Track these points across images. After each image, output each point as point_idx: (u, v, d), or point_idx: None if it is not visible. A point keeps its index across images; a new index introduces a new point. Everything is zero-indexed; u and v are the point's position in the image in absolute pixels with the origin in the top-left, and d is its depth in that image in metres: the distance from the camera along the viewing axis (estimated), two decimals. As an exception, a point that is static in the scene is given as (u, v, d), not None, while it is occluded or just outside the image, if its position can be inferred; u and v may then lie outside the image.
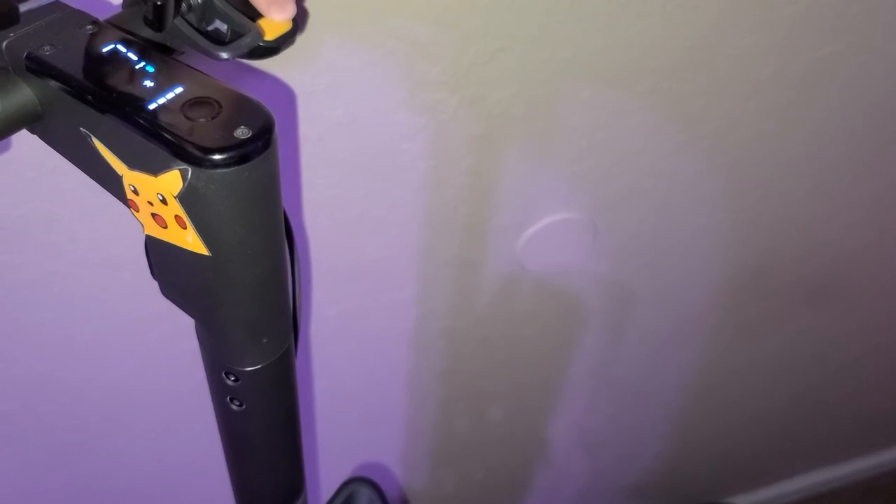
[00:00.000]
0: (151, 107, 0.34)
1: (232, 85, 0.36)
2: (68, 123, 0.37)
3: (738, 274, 1.02)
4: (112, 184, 0.37)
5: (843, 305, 1.18)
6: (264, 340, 0.43)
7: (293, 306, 0.45)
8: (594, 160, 0.78)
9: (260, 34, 0.41)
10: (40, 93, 0.37)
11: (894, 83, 0.84)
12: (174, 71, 0.36)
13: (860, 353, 1.31)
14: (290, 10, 0.42)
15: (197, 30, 0.41)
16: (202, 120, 0.34)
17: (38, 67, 0.37)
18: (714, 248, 0.97)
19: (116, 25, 0.40)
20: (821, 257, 1.06)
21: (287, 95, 0.60)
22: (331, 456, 1.00)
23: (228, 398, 0.46)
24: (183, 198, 0.34)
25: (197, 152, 0.33)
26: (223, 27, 0.41)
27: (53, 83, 0.36)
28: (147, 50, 0.37)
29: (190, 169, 0.33)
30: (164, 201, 0.35)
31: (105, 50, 0.37)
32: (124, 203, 0.38)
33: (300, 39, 0.55)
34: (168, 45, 0.41)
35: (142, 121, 0.34)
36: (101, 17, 0.40)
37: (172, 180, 0.34)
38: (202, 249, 0.36)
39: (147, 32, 0.41)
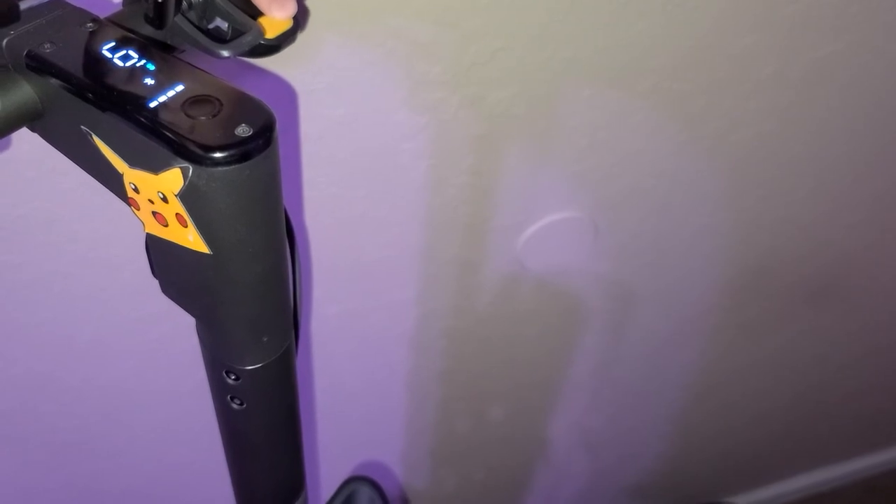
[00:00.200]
0: (152, 105, 0.34)
1: (233, 83, 0.36)
2: (69, 121, 0.37)
3: (739, 274, 1.02)
4: (113, 182, 0.37)
5: (844, 305, 1.18)
6: (265, 339, 0.43)
7: (294, 305, 0.45)
8: (595, 160, 0.78)
9: (261, 32, 0.41)
10: (41, 91, 0.37)
11: (895, 83, 0.84)
12: (175, 69, 0.36)
13: (861, 353, 1.31)
14: (291, 9, 0.42)
15: (198, 28, 0.41)
16: (203, 118, 0.34)
17: (38, 65, 0.37)
18: (715, 247, 0.97)
19: (117, 23, 0.40)
20: (822, 257, 1.06)
21: (288, 94, 0.60)
22: (331, 455, 1.00)
23: (229, 397, 0.46)
24: (184, 196, 0.34)
25: (198, 150, 0.33)
26: (224, 25, 0.41)
27: (54, 81, 0.36)
28: (148, 48, 0.37)
29: (191, 167, 0.33)
30: (164, 199, 0.35)
31: (106, 48, 0.37)
32: (125, 201, 0.38)
33: (301, 38, 0.55)
34: (169, 43, 0.41)
35: (142, 119, 0.34)
36: (102, 15, 0.40)
37: (173, 178, 0.34)
38: (203, 248, 0.36)
39: (148, 30, 0.41)
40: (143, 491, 0.94)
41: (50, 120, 0.38)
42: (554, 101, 0.70)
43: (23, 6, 0.38)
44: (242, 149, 0.33)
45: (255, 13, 0.42)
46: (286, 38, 0.42)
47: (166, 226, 0.37)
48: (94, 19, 0.39)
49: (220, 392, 0.47)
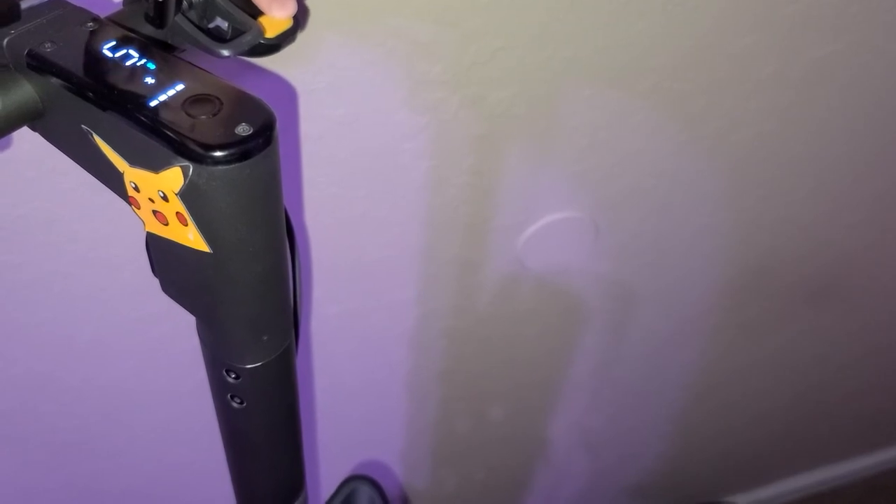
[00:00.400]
0: (153, 104, 0.34)
1: (233, 82, 0.36)
2: (69, 120, 0.37)
3: (739, 274, 1.02)
4: (113, 181, 0.37)
5: (844, 305, 1.18)
6: (265, 338, 0.43)
7: (294, 304, 0.45)
8: (595, 160, 0.78)
9: (261, 31, 0.41)
10: (41, 90, 0.37)
11: (895, 83, 0.84)
12: (175, 68, 0.36)
13: (861, 352, 1.31)
14: (291, 8, 0.42)
15: (198, 27, 0.41)
16: (203, 117, 0.34)
17: (39, 64, 0.37)
18: (715, 247, 0.97)
19: (117, 22, 0.40)
20: (822, 257, 1.06)
21: (288, 93, 0.60)
22: (331, 454, 1.00)
23: (229, 395, 0.46)
24: (184, 194, 0.34)
25: (198, 149, 0.33)
26: (224, 24, 0.41)
27: (55, 80, 0.36)
28: (148, 47, 0.37)
29: (191, 166, 0.33)
30: (165, 198, 0.35)
31: (106, 47, 0.37)
32: (125, 200, 0.38)
33: (301, 38, 0.55)
34: (169, 42, 0.41)
35: (143, 118, 0.34)
36: (103, 15, 0.40)
37: (173, 177, 0.34)
38: (203, 246, 0.36)
39: (148, 29, 0.41)
40: (144, 491, 0.94)
41: (50, 119, 0.38)
42: (554, 101, 0.70)
43: (23, 6, 0.38)
44: (242, 147, 0.33)
45: (256, 13, 0.42)
46: (286, 38, 0.42)
47: (167, 224, 0.37)
48: (95, 19, 0.39)
49: (221, 391, 0.47)
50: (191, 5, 0.41)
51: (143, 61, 0.36)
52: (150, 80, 0.35)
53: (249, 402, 0.46)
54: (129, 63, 0.36)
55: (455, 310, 0.89)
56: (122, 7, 0.42)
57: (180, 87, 0.35)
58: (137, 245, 0.42)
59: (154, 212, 0.37)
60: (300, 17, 0.45)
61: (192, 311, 0.42)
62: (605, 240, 0.87)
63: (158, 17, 0.40)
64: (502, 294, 0.89)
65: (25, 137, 0.41)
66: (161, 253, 0.39)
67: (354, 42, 0.59)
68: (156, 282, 0.42)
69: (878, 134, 0.90)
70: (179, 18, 0.40)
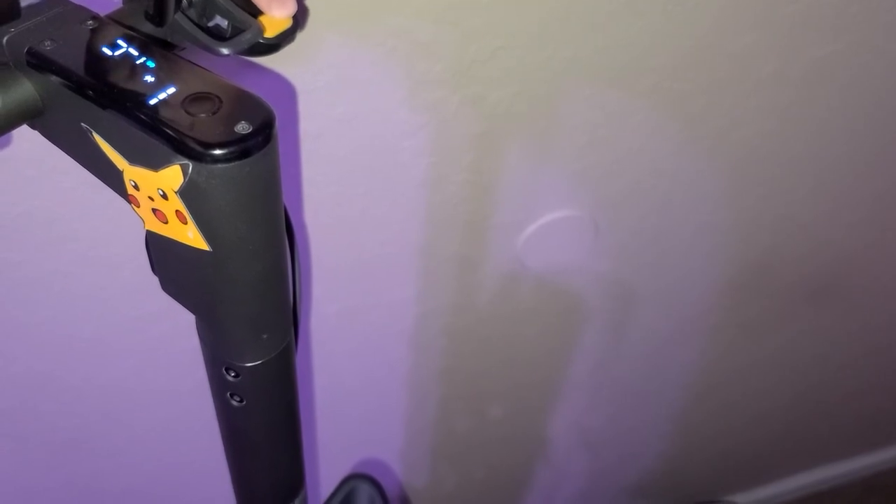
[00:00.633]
0: (152, 102, 0.34)
1: (233, 81, 0.36)
2: (69, 119, 0.37)
3: (739, 273, 1.02)
4: (113, 179, 0.37)
5: (844, 304, 1.18)
6: (264, 336, 0.43)
7: (293, 302, 0.45)
8: (595, 158, 0.78)
9: (260, 30, 0.41)
10: (41, 88, 0.37)
11: (895, 83, 0.84)
12: (175, 66, 0.36)
13: (861, 352, 1.31)
14: (291, 8, 0.42)
15: (198, 25, 0.41)
16: (203, 115, 0.34)
17: (38, 62, 0.37)
18: (715, 246, 0.97)
19: (117, 21, 0.40)
20: (822, 256, 1.06)
21: (288, 92, 0.60)
22: (331, 453, 1.00)
23: (228, 394, 0.46)
24: (183, 193, 0.34)
25: (197, 147, 0.33)
26: (224, 23, 0.41)
27: (54, 78, 0.36)
28: (148, 45, 0.37)
29: (190, 164, 0.33)
30: (164, 196, 0.35)
31: (106, 45, 0.37)
32: (125, 198, 0.38)
33: (302, 37, 0.56)
34: (169, 40, 0.41)
35: (142, 116, 0.34)
36: (102, 13, 0.40)
37: (173, 175, 0.34)
38: (202, 245, 0.36)
39: (148, 28, 0.41)
40: (144, 490, 0.94)
41: (50, 117, 0.38)
42: (554, 100, 0.70)
43: (23, 3, 0.38)
44: (242, 146, 0.33)
45: (255, 12, 0.42)
46: (285, 38, 0.42)
47: (166, 223, 0.37)
48: (95, 17, 0.39)
49: (220, 389, 0.47)
50: (190, 3, 0.41)
51: (143, 59, 0.36)
52: (149, 79, 0.35)
53: (249, 401, 0.47)
54: (128, 61, 0.36)
55: (454, 308, 0.89)
56: (121, 5, 0.42)
57: (180, 85, 0.35)
58: (137, 244, 0.42)
59: (154, 210, 0.37)
60: (300, 18, 0.45)
61: (191, 310, 0.42)
62: (604, 238, 0.87)
63: (158, 15, 0.40)
64: (502, 292, 0.89)
65: (26, 136, 0.41)
66: (161, 251, 0.39)
67: (355, 41, 0.59)
68: (156, 280, 0.42)
69: (879, 133, 0.90)
70: (179, 17, 0.40)
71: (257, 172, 0.35)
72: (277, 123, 0.35)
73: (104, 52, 0.37)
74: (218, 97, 0.35)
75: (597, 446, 1.30)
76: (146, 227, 0.39)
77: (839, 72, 0.79)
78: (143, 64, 0.36)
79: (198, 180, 0.34)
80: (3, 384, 0.73)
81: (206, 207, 0.35)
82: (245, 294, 0.40)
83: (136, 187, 0.37)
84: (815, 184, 0.93)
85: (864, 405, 1.49)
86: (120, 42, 0.37)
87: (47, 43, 0.37)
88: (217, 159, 0.33)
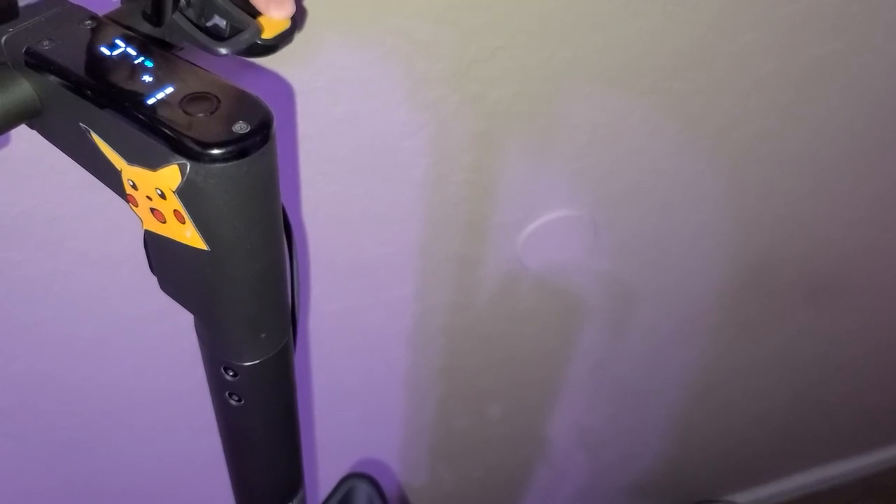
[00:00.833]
0: (150, 101, 0.34)
1: (231, 81, 0.36)
2: (67, 118, 0.37)
3: (739, 272, 1.02)
4: (111, 179, 0.37)
5: (844, 304, 1.18)
6: (263, 335, 0.43)
7: (292, 302, 0.45)
8: (595, 158, 0.78)
9: (258, 31, 0.41)
10: (39, 88, 0.37)
11: (895, 82, 0.84)
12: (173, 66, 0.36)
13: (861, 351, 1.31)
14: (289, 9, 0.42)
15: (196, 25, 0.41)
16: (201, 115, 0.34)
17: (37, 62, 0.37)
18: (715, 246, 0.97)
19: (115, 20, 0.40)
20: (822, 256, 1.06)
21: (287, 92, 0.60)
22: (329, 452, 1.00)
23: (227, 393, 0.46)
24: (181, 192, 0.34)
25: (195, 147, 0.33)
26: (222, 23, 0.41)
27: (53, 78, 0.36)
28: (146, 45, 0.37)
29: (188, 163, 0.33)
30: (162, 196, 0.35)
31: (104, 45, 0.37)
32: (123, 198, 0.38)
33: (301, 36, 0.56)
34: (167, 40, 0.41)
35: (140, 115, 0.34)
36: (101, 13, 0.40)
37: (171, 175, 0.34)
38: (201, 244, 0.36)
39: (146, 28, 0.41)
40: (143, 489, 0.94)
41: (49, 117, 0.38)
42: (554, 100, 0.70)
43: (21, 3, 0.38)
44: (240, 145, 0.33)
45: (254, 12, 0.42)
46: (283, 39, 0.42)
47: (164, 222, 0.37)
48: (93, 17, 0.39)
49: (219, 388, 0.47)
50: (189, 3, 0.41)
51: (141, 59, 0.37)
52: (147, 78, 0.35)
53: (247, 400, 0.47)
54: (126, 61, 0.36)
55: (454, 307, 0.89)
56: (120, 5, 0.42)
57: (178, 84, 0.35)
58: (137, 243, 0.42)
59: (152, 210, 0.37)
60: (298, 19, 0.45)
61: (190, 309, 0.42)
62: (604, 238, 0.87)
63: (156, 15, 0.40)
64: (501, 292, 0.89)
65: (24, 136, 0.41)
66: (159, 251, 0.39)
67: (354, 41, 0.59)
68: (155, 280, 0.42)
69: (879, 133, 0.90)
70: (177, 16, 0.40)
71: (255, 172, 0.35)
72: (276, 123, 0.35)
73: (102, 52, 0.37)
74: (216, 97, 0.35)
75: (596, 446, 1.30)
76: (144, 227, 0.39)
77: (839, 71, 0.79)
78: (142, 64, 0.36)
79: (196, 180, 0.34)
80: (2, 383, 0.73)
81: (203, 207, 0.35)
82: (243, 293, 0.40)
83: (134, 187, 0.37)
84: (815, 183, 0.93)
85: (863, 405, 1.49)
86: (118, 42, 0.37)
87: (45, 43, 0.37)
88: (215, 159, 0.33)
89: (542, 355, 1.05)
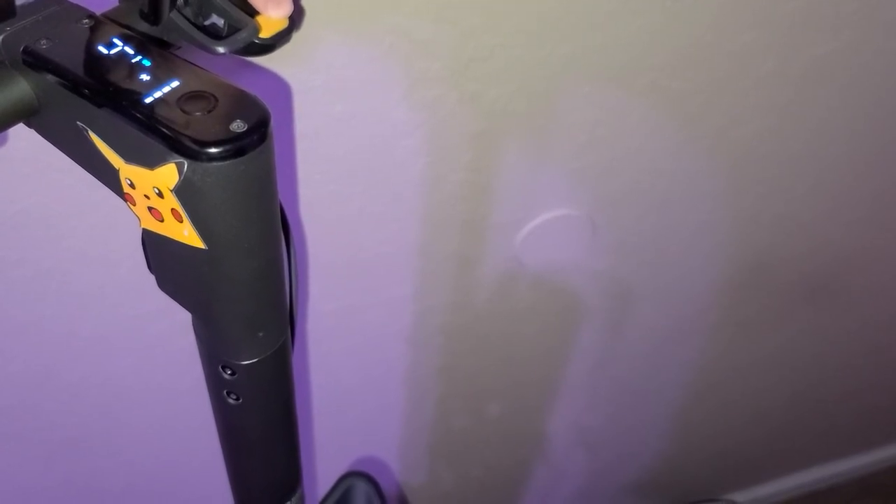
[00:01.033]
0: (148, 100, 0.34)
1: (229, 79, 0.36)
2: (65, 117, 0.37)
3: (738, 272, 1.02)
4: (109, 177, 0.37)
5: (843, 303, 1.18)
6: (260, 334, 0.43)
7: (290, 301, 0.45)
8: (594, 157, 0.78)
9: (256, 30, 0.41)
10: (37, 87, 0.37)
11: (895, 81, 0.84)
12: (171, 65, 0.36)
13: (860, 351, 1.31)
14: (287, 8, 0.42)
15: (193, 24, 0.41)
16: (198, 113, 0.34)
17: (34, 61, 0.37)
18: (714, 245, 0.97)
19: (113, 19, 0.40)
20: (821, 255, 1.06)
21: (285, 91, 0.60)
22: (328, 451, 1.00)
23: (225, 392, 0.46)
24: (179, 191, 0.34)
25: (193, 145, 0.33)
26: (220, 22, 0.41)
27: (50, 77, 0.36)
28: (144, 44, 0.37)
29: (186, 162, 0.33)
30: (160, 195, 0.35)
31: (101, 44, 0.37)
32: (121, 197, 0.38)
33: (299, 35, 0.56)
34: (165, 39, 0.41)
35: (138, 114, 0.34)
36: (98, 12, 0.40)
37: (168, 174, 0.34)
38: (198, 243, 0.36)
39: (143, 26, 0.41)
40: (142, 488, 0.94)
41: (46, 116, 0.38)
42: (552, 98, 0.70)
43: (19, 2, 0.38)
44: (237, 144, 0.33)
45: (252, 11, 0.42)
46: (281, 38, 0.42)
47: (162, 221, 0.37)
48: (91, 15, 0.39)
49: (217, 387, 0.47)
50: (186, 2, 0.41)
51: (139, 58, 0.37)
52: (145, 77, 0.36)
53: (245, 399, 0.47)
54: (124, 60, 0.36)
55: (452, 307, 0.89)
56: (117, 4, 0.42)
57: (175, 83, 0.35)
58: (135, 241, 0.42)
59: (149, 208, 0.37)
60: (296, 18, 0.45)
61: (188, 308, 0.42)
62: (603, 237, 0.87)
63: (153, 14, 0.40)
64: (500, 291, 0.89)
65: (22, 135, 0.41)
66: (157, 250, 0.39)
67: (353, 40, 0.59)
68: (153, 278, 0.42)
69: (878, 132, 0.90)
70: (175, 15, 0.40)
71: (252, 171, 0.35)
72: (273, 122, 0.35)
73: (100, 51, 0.37)
74: (213, 96, 0.35)
75: (595, 445, 1.30)
76: (142, 226, 0.39)
77: (838, 70, 0.79)
78: (139, 62, 0.36)
79: (193, 178, 0.34)
80: (1, 382, 0.73)
81: (201, 206, 0.35)
82: (241, 292, 0.40)
83: (131, 185, 0.37)
84: (814, 182, 0.93)
85: (862, 404, 1.49)
86: (116, 41, 0.37)
87: (43, 42, 0.37)
88: (212, 157, 0.33)
89: (541, 354, 1.05)
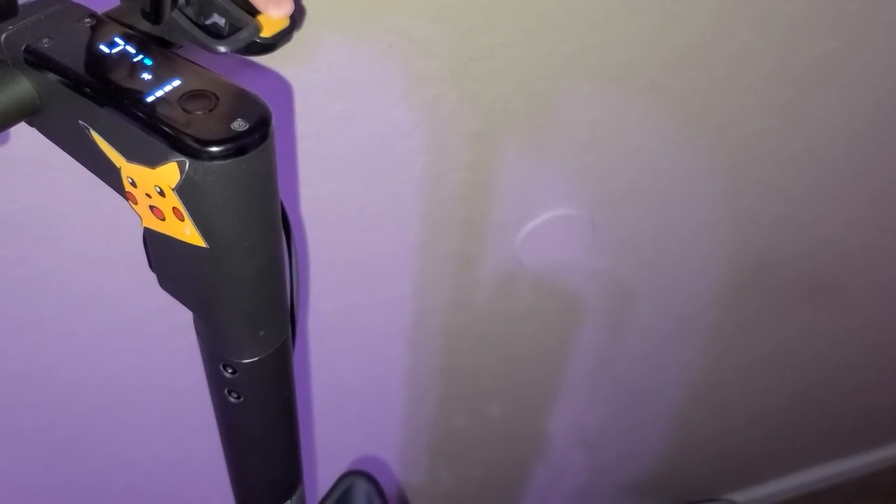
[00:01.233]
0: (149, 99, 0.34)
1: (230, 79, 0.36)
2: (67, 116, 0.37)
3: (737, 271, 1.03)
4: (110, 176, 0.38)
5: (842, 303, 1.18)
6: (261, 333, 0.43)
7: (290, 300, 0.45)
8: (593, 156, 0.78)
9: (257, 29, 0.41)
10: (39, 85, 0.37)
11: (894, 81, 0.84)
12: (172, 64, 0.36)
13: (860, 350, 1.31)
14: (288, 7, 0.42)
15: (195, 23, 0.41)
16: (200, 112, 0.34)
17: (36, 60, 0.37)
18: (714, 245, 0.97)
19: (115, 19, 0.40)
20: (821, 255, 1.06)
21: (285, 90, 0.60)
22: (328, 450, 1.00)
23: (226, 390, 0.46)
24: (180, 190, 0.35)
25: (194, 144, 0.33)
26: (221, 21, 0.41)
27: (52, 76, 0.36)
28: (145, 43, 0.38)
29: (187, 161, 0.33)
30: (161, 193, 0.36)
31: (103, 43, 0.37)
32: (122, 196, 0.38)
33: (300, 35, 0.56)
34: (166, 38, 0.41)
35: (140, 113, 0.34)
36: (100, 11, 0.40)
37: (170, 172, 0.34)
38: (199, 241, 0.36)
39: (145, 26, 0.41)
40: (142, 487, 0.94)
41: (48, 115, 0.38)
42: (552, 98, 0.70)
43: (21, 1, 0.38)
44: (238, 143, 0.33)
45: (253, 11, 0.42)
46: (282, 37, 0.42)
47: (163, 220, 0.37)
48: (92, 15, 0.39)
49: (218, 386, 0.47)
50: (188, 1, 0.41)
51: (140, 57, 0.37)
52: (146, 76, 0.36)
53: (246, 397, 0.47)
54: (126, 59, 0.37)
55: (452, 306, 0.89)
56: (119, 3, 0.42)
57: (177, 82, 0.35)
58: (135, 241, 0.42)
59: (151, 207, 0.37)
60: (297, 17, 0.45)
61: (189, 307, 0.42)
62: (603, 237, 0.88)
63: (155, 13, 0.40)
64: (500, 291, 0.90)
65: (23, 133, 0.41)
66: (158, 248, 0.39)
67: (353, 39, 0.59)
68: (153, 277, 0.42)
69: (877, 131, 0.90)
70: (176, 14, 0.40)
71: (254, 170, 0.35)
72: (274, 121, 0.35)
73: (102, 50, 0.37)
74: (215, 95, 0.35)
75: (595, 445, 1.31)
76: (143, 224, 0.39)
77: (838, 70, 0.79)
78: (141, 62, 0.36)
79: (194, 177, 0.34)
80: (1, 382, 0.73)
81: (202, 204, 0.35)
82: (242, 291, 0.40)
83: (133, 184, 0.37)
84: (814, 182, 0.93)
85: (862, 404, 1.49)
86: (117, 40, 0.37)
87: (45, 40, 0.37)
88: (213, 156, 0.33)
89: (541, 354, 1.05)
